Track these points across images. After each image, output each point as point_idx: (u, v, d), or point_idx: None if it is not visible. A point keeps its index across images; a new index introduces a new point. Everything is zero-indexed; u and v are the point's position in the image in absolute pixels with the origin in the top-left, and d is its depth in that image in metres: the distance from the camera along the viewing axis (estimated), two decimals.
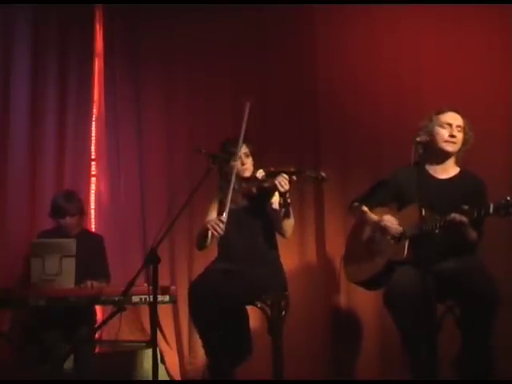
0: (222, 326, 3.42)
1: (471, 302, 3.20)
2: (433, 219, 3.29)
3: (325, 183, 3.57)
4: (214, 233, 3.52)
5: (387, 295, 3.34)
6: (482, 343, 3.23)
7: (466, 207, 3.20)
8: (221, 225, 3.49)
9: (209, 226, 3.55)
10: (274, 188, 3.56)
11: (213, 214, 3.80)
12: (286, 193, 3.53)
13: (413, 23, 4.67)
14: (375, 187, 3.72)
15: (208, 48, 4.94)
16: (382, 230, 3.54)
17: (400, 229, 3.46)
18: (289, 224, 3.67)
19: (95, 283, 4.01)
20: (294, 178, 3.56)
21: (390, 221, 3.51)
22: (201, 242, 3.75)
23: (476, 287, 3.20)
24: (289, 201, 3.57)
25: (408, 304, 3.20)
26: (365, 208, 3.68)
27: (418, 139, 3.42)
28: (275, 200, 3.68)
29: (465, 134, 3.54)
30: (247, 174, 3.73)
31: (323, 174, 3.53)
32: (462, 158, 3.60)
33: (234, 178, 3.57)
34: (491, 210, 3.11)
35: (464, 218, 3.21)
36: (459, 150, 3.56)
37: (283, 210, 3.59)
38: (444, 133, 3.51)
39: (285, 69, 4.85)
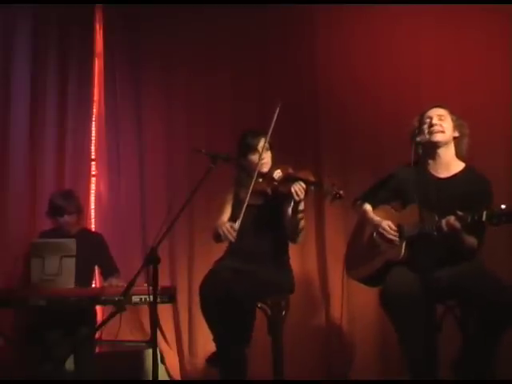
0: (233, 322, 3.43)
1: (480, 307, 3.12)
2: (432, 221, 3.27)
3: (340, 201, 3.44)
4: (226, 240, 3.56)
5: (382, 296, 3.31)
6: (487, 348, 3.18)
7: (460, 213, 3.15)
8: (233, 233, 3.50)
9: (221, 231, 3.56)
10: (289, 194, 3.52)
11: (227, 208, 3.80)
12: (300, 201, 3.51)
13: (412, 23, 4.68)
14: (378, 185, 3.68)
15: (208, 48, 4.95)
16: (380, 235, 3.51)
17: (396, 239, 3.42)
18: (299, 232, 3.65)
19: (120, 282, 4.06)
20: (312, 188, 3.52)
21: (388, 229, 3.45)
22: (216, 239, 3.75)
23: (485, 292, 3.12)
24: (301, 208, 3.55)
25: (403, 305, 3.16)
26: (367, 207, 3.66)
27: (417, 139, 3.42)
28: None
29: (452, 121, 3.48)
30: (265, 168, 3.70)
31: (341, 192, 3.40)
32: (465, 151, 3.51)
33: (252, 183, 3.55)
34: (484, 217, 3.07)
35: (457, 224, 3.15)
36: (455, 139, 3.48)
37: (295, 217, 3.56)
38: (426, 126, 3.47)
39: (285, 69, 4.85)
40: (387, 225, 3.45)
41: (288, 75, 4.83)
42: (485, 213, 3.07)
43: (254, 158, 3.70)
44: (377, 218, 3.55)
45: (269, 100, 4.77)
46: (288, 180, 3.56)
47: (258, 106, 4.86)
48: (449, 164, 3.48)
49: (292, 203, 3.55)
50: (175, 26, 5.01)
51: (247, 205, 3.54)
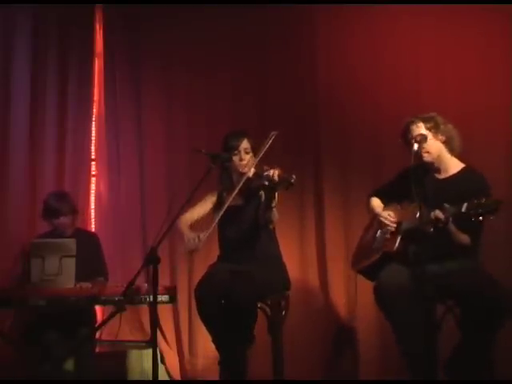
0: (233, 322, 3.44)
1: (474, 304, 3.16)
2: (428, 217, 3.30)
3: (292, 187, 3.39)
4: (188, 251, 3.57)
5: (375, 291, 3.42)
6: (483, 346, 3.21)
7: (446, 205, 3.20)
8: (198, 243, 3.49)
9: (185, 239, 3.57)
10: (259, 188, 3.54)
11: (207, 205, 3.82)
12: (274, 187, 3.44)
13: (412, 23, 4.67)
14: (389, 184, 3.73)
15: (208, 48, 4.94)
16: (379, 223, 3.59)
17: (393, 226, 3.51)
18: (274, 215, 3.61)
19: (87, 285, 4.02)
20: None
21: (388, 217, 3.54)
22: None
23: (479, 290, 3.17)
24: (274, 196, 3.48)
25: (396, 301, 3.26)
26: (373, 199, 3.71)
27: (412, 150, 3.44)
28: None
29: (435, 133, 3.47)
30: (245, 170, 3.70)
31: (292, 180, 3.35)
32: (457, 147, 3.51)
33: (239, 186, 3.55)
34: (463, 208, 3.11)
35: (440, 214, 3.20)
36: (443, 142, 3.50)
37: (269, 205, 3.51)
38: (414, 148, 3.43)
39: (285, 69, 4.85)
40: (387, 214, 3.56)
41: (288, 75, 4.83)
42: (465, 204, 3.12)
43: (235, 158, 3.71)
44: (378, 208, 3.64)
45: (269, 100, 4.81)
46: (259, 176, 3.56)
47: (258, 106, 4.86)
48: (447, 165, 3.53)
49: (268, 192, 3.50)
50: (175, 26, 5.00)
51: (232, 206, 3.57)
